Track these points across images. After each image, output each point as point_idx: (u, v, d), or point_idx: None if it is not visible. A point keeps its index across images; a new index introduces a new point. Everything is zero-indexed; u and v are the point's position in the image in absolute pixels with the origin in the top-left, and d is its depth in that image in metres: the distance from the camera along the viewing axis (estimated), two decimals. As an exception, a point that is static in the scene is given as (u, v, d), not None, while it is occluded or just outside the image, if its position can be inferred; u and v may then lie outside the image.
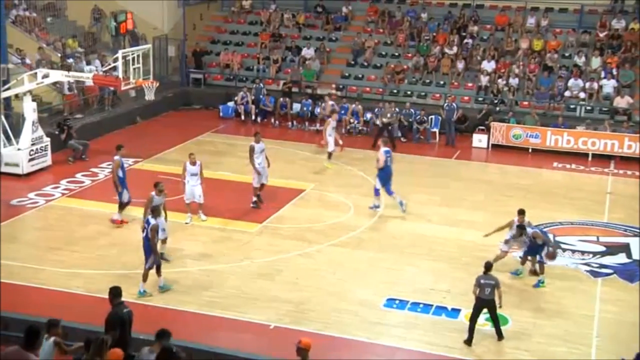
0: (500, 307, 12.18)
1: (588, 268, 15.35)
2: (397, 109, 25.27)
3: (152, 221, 13.21)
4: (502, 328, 12.57)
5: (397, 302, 13.49)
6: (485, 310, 12.15)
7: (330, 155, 21.61)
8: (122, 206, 16.66)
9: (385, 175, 17.92)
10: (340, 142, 21.85)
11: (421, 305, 13.36)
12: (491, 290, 11.99)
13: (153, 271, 13.36)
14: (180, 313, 12.81)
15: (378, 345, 12.14)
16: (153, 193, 14.53)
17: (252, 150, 17.65)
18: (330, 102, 25.00)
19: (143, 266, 13.33)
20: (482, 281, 12.05)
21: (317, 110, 26.20)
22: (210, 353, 10.67)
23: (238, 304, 13.24)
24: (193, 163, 16.59)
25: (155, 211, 13.53)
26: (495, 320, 12.21)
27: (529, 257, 14.72)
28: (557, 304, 13.72)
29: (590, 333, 12.72)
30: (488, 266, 12.24)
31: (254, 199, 17.98)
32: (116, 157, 16.61)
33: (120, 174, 16.57)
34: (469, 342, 12.06)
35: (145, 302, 13.15)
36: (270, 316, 12.81)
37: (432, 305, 13.35)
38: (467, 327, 12.17)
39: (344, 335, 12.37)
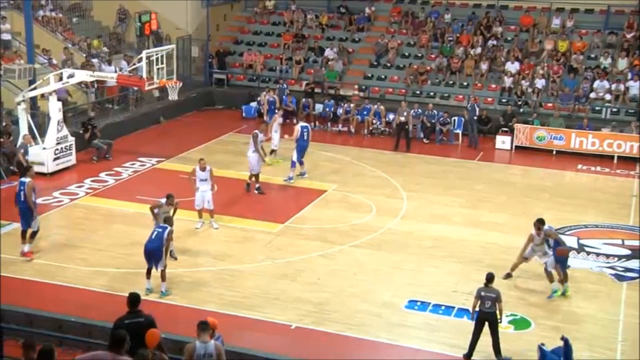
0: (501, 322, 11.55)
1: (613, 271, 15.18)
2: (419, 110, 25.27)
3: (169, 229, 13.39)
4: (525, 331, 12.49)
5: (418, 303, 13.44)
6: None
7: (273, 152, 21.48)
8: (34, 235, 15.00)
9: (300, 148, 19.74)
10: (286, 136, 21.82)
11: (443, 308, 13.29)
12: (492, 303, 11.41)
13: (157, 274, 13.41)
14: (202, 312, 12.84)
15: (399, 346, 12.10)
16: (163, 201, 14.55)
17: (256, 137, 18.46)
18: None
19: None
20: (482, 293, 11.50)
21: (340, 110, 26.22)
22: (232, 353, 10.68)
23: (259, 304, 13.27)
24: (203, 169, 16.38)
25: (167, 220, 13.70)
26: (495, 335, 11.52)
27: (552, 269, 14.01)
28: (581, 307, 13.58)
29: (615, 337, 12.57)
30: (490, 278, 11.64)
31: (257, 185, 18.75)
32: (29, 180, 14.81)
33: (34, 197, 14.89)
34: (468, 357, 11.52)
35: (168, 301, 13.24)
36: (292, 316, 12.82)
37: (454, 308, 13.28)
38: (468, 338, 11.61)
39: (365, 337, 12.35)
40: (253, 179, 18.88)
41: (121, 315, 9.41)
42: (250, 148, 18.61)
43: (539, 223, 14.18)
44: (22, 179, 14.95)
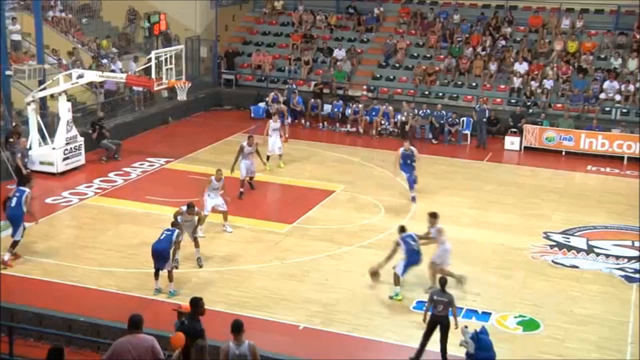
0: (457, 327, 11.28)
1: (622, 273, 15.11)
2: (427, 110, 25.31)
3: (177, 231, 13.47)
4: (534, 332, 12.44)
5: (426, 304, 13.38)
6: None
7: (268, 157, 20.85)
8: (15, 245, 14.58)
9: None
10: (286, 135, 22.35)
11: (451, 308, 13.25)
12: (444, 307, 11.34)
13: (165, 274, 13.43)
14: (209, 312, 12.82)
15: (408, 347, 12.05)
16: (184, 209, 14.42)
17: (240, 149, 18.39)
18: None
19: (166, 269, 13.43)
20: (435, 297, 11.44)
21: (348, 111, 26.23)
22: (239, 353, 10.71)
23: (267, 304, 13.28)
24: (219, 179, 16.25)
25: (179, 226, 13.71)
26: (444, 340, 11.33)
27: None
28: (590, 309, 13.52)
29: (624, 339, 12.50)
30: (443, 283, 11.58)
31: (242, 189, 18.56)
32: (29, 191, 14.72)
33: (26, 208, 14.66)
34: None
35: (176, 301, 13.22)
36: (300, 317, 12.82)
37: (462, 308, 13.21)
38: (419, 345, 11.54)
39: (373, 337, 12.35)
40: (247, 180, 18.81)
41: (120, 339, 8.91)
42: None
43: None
44: (22, 188, 14.76)
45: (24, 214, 14.55)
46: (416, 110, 25.55)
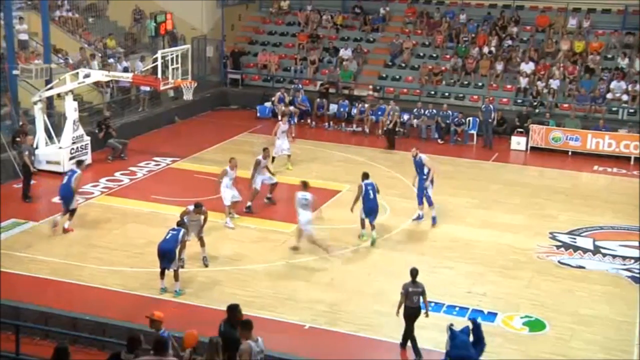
0: (427, 316, 11.68)
1: (629, 274, 15.06)
2: (433, 110, 25.36)
3: (183, 231, 13.52)
4: (540, 333, 12.41)
5: (432, 304, 13.34)
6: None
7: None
8: (73, 212, 16.35)
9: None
10: (293, 134, 22.31)
11: (457, 309, 13.25)
12: (418, 298, 11.56)
13: (171, 273, 13.44)
14: (215, 312, 12.87)
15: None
16: (191, 208, 14.44)
17: (258, 164, 17.58)
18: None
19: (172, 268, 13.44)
20: (410, 289, 11.56)
21: (354, 111, 26.22)
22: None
23: (273, 304, 13.29)
24: (233, 167, 16.56)
25: (185, 226, 13.76)
26: (411, 327, 11.68)
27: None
28: (596, 309, 13.48)
29: (631, 340, 12.47)
30: (414, 273, 11.67)
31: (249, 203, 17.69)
32: (79, 172, 16.41)
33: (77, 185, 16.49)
34: (417, 355, 11.59)
35: (182, 300, 13.29)
36: (305, 317, 12.83)
37: (468, 309, 13.23)
38: (409, 345, 11.74)
39: (378, 337, 12.34)
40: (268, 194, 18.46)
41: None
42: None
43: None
44: (74, 169, 16.59)
45: (73, 192, 16.14)
46: (422, 110, 25.55)
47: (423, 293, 11.63)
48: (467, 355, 10.15)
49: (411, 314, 11.64)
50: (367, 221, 15.97)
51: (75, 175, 16.22)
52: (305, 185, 15.51)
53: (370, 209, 15.88)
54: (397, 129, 24.46)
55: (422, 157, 17.37)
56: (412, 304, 11.60)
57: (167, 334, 9.53)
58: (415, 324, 11.75)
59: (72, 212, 16.26)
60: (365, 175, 16.00)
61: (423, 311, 11.77)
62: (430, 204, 17.22)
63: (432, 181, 17.21)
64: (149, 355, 8.39)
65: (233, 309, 9.83)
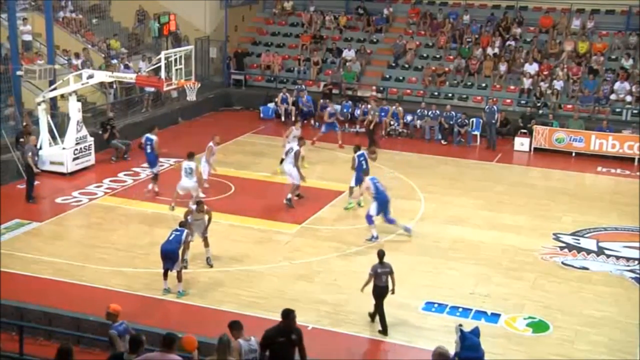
0: (393, 293, 12.36)
1: (633, 275, 15.02)
2: (436, 111, 25.31)
3: (186, 231, 13.51)
4: (543, 334, 12.38)
5: (435, 305, 13.38)
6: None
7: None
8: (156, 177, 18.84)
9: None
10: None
11: (460, 309, 13.22)
12: (387, 277, 12.26)
13: (174, 274, 13.45)
14: (219, 313, 12.89)
15: (416, 348, 12.03)
16: (194, 207, 14.52)
17: (298, 154, 18.33)
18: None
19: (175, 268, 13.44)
20: (379, 270, 12.25)
21: (357, 112, 26.19)
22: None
23: (277, 304, 13.21)
24: (217, 143, 18.83)
25: (188, 226, 13.75)
26: (381, 309, 12.31)
27: None
28: (600, 310, 13.45)
29: (635, 342, 12.42)
30: (381, 254, 12.38)
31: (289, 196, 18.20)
32: (156, 137, 18.78)
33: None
34: (384, 332, 12.26)
35: (185, 301, 13.28)
36: (309, 317, 12.79)
37: (471, 310, 13.21)
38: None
39: (382, 338, 12.31)
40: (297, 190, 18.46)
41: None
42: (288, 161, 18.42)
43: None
44: (149, 135, 18.79)
45: (157, 156, 18.68)
46: (425, 111, 25.54)
47: (391, 272, 12.33)
48: (477, 357, 10.12)
49: (380, 293, 12.30)
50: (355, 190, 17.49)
51: (154, 142, 18.62)
52: (190, 156, 17.17)
53: (360, 179, 17.24)
54: (371, 129, 23.50)
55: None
56: (381, 283, 12.27)
57: (124, 327, 9.62)
58: (385, 303, 12.34)
59: (156, 176, 18.64)
60: (358, 148, 17.97)
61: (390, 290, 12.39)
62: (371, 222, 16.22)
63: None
64: (153, 353, 8.41)
65: (287, 315, 9.57)
